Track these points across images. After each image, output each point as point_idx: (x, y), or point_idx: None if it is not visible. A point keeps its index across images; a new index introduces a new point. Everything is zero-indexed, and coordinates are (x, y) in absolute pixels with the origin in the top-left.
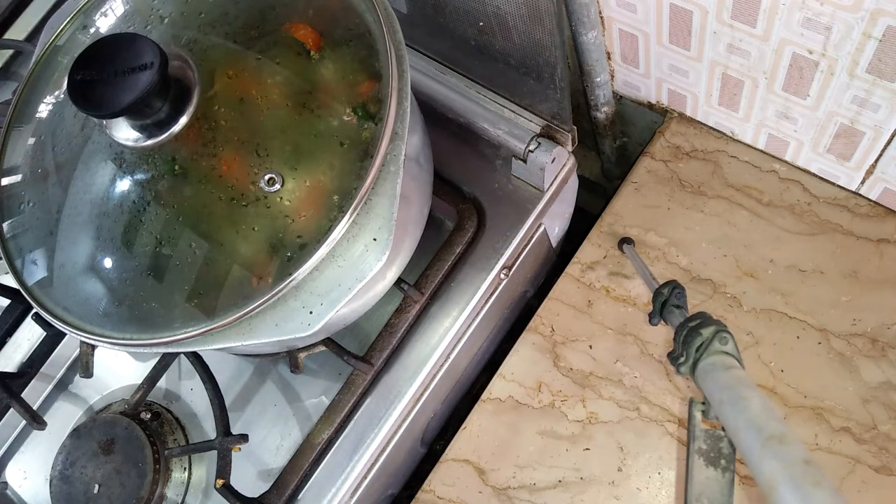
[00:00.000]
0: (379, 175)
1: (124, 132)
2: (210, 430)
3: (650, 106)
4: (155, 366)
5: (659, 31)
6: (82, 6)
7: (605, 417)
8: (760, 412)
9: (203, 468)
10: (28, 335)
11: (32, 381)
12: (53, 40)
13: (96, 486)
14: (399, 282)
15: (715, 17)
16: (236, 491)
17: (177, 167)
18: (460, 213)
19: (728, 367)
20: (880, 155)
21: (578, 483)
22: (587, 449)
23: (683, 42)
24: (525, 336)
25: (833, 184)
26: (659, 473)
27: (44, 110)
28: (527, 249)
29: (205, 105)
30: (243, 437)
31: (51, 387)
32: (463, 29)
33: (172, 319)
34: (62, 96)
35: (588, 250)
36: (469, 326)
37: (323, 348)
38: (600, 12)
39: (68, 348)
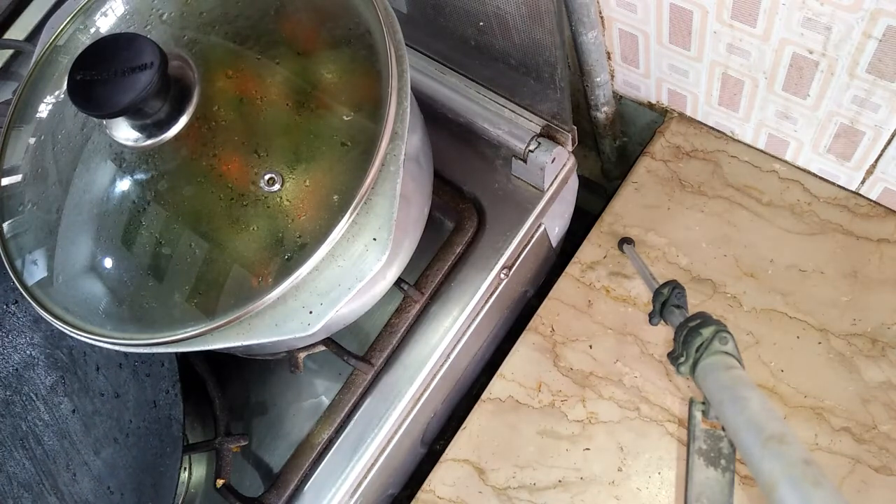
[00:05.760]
0: (379, 175)
1: (124, 132)
2: (210, 430)
3: (650, 106)
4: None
5: (659, 30)
6: (82, 6)
7: (605, 417)
8: (760, 412)
9: (203, 468)
10: None
11: None
12: (54, 40)
13: None
14: (399, 282)
15: (715, 16)
16: (236, 491)
17: (176, 167)
18: (460, 213)
19: (728, 367)
20: (880, 155)
21: (578, 483)
22: (587, 449)
23: (683, 42)
24: (525, 336)
25: (833, 184)
26: (659, 473)
27: (44, 110)
28: (527, 249)
29: (204, 105)
30: (243, 437)
31: None
32: (463, 29)
33: (172, 319)
34: (62, 96)
35: (588, 250)
36: (469, 326)
37: (323, 348)
38: (600, 12)
39: None
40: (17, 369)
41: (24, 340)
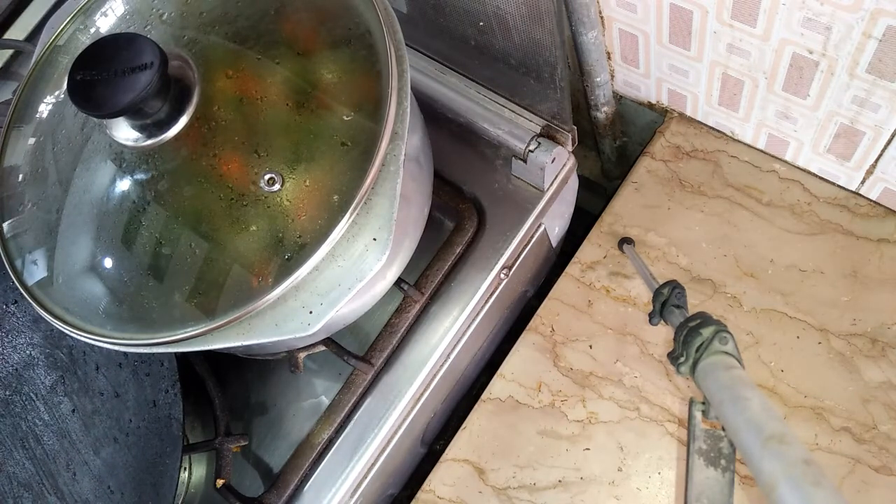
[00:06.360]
0: (379, 175)
1: (124, 132)
2: (210, 430)
3: (650, 106)
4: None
5: (659, 30)
6: (82, 6)
7: (605, 417)
8: (760, 412)
9: (203, 468)
10: None
11: None
12: (54, 40)
13: None
14: (399, 282)
15: (715, 16)
16: (236, 491)
17: (176, 167)
18: (460, 213)
19: (728, 367)
20: (880, 155)
21: (578, 483)
22: (587, 449)
23: (683, 42)
24: (525, 336)
25: (833, 184)
26: (659, 473)
27: (44, 110)
28: (527, 249)
29: (204, 105)
30: (243, 437)
31: None
32: (463, 29)
33: (172, 319)
34: (62, 96)
35: (588, 250)
36: (469, 326)
37: (323, 348)
38: (600, 12)
39: None
40: (16, 369)
41: (23, 340)
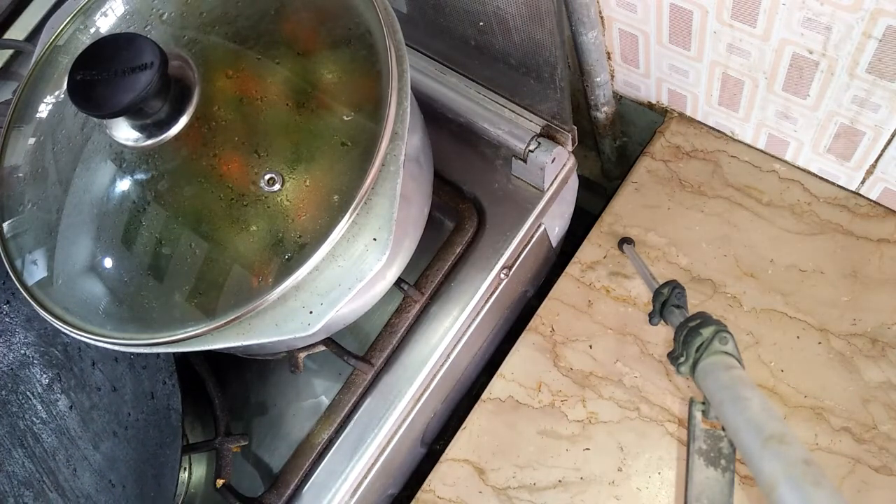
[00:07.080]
0: (379, 175)
1: (124, 132)
2: (210, 430)
3: (650, 106)
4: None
5: (659, 30)
6: (82, 6)
7: (605, 417)
8: (760, 412)
9: (203, 468)
10: None
11: None
12: (54, 40)
13: None
14: (399, 282)
15: (715, 16)
16: (236, 491)
17: (176, 167)
18: (460, 213)
19: (728, 366)
20: (880, 155)
21: (578, 483)
22: (587, 449)
23: (683, 42)
24: (525, 336)
25: (833, 184)
26: (659, 473)
27: (44, 110)
28: (527, 249)
29: (205, 105)
30: (243, 437)
31: None
32: (463, 29)
33: (172, 319)
34: (62, 96)
35: (588, 250)
36: (469, 326)
37: (323, 348)
38: (600, 12)
39: None
40: (11, 369)
41: (17, 340)
